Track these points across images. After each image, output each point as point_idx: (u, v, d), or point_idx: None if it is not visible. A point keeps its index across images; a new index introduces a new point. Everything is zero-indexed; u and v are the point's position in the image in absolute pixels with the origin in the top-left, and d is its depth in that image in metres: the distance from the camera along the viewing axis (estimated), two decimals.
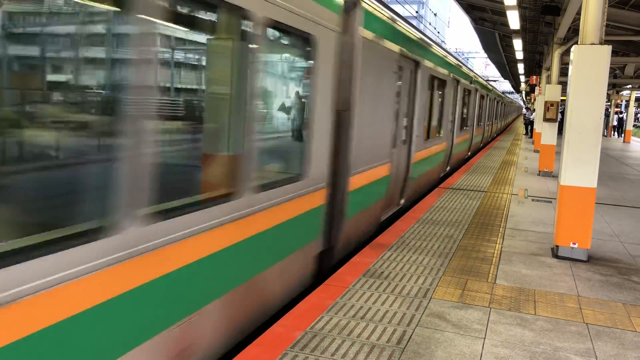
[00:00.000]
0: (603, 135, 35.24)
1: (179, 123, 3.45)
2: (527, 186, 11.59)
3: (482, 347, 3.80)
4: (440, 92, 11.18)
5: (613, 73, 27.49)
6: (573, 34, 14.69)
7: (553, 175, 13.41)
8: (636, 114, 59.94)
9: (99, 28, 2.79)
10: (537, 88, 22.82)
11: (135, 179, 2.66)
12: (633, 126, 37.16)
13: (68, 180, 2.66)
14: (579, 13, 8.57)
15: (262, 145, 3.88)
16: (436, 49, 10.26)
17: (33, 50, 2.53)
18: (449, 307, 4.51)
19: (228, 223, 3.47)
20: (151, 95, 2.75)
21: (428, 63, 9.12)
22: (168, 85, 3.33)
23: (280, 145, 4.72)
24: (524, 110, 68.53)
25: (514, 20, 14.12)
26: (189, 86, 3.75)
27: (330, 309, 4.29)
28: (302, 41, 4.47)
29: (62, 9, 2.57)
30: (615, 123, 39.07)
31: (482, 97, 20.54)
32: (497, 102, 30.27)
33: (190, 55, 3.76)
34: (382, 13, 6.39)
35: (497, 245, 6.57)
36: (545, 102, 14.12)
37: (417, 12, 35.78)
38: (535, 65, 24.91)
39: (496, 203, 9.38)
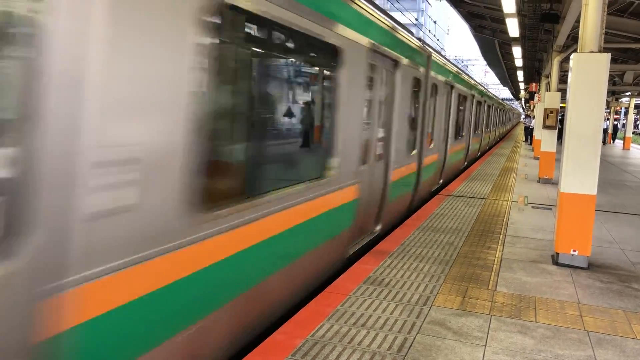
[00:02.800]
0: (603, 142, 35.42)
1: None
2: (527, 193, 11.60)
3: (483, 354, 3.80)
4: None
5: (612, 80, 27.58)
6: (572, 41, 14.75)
7: (553, 183, 13.42)
8: (635, 120, 60.10)
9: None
10: (536, 95, 22.89)
11: None
12: (633, 133, 37.29)
13: None
14: (578, 21, 8.62)
15: None
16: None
17: None
18: (449, 314, 4.50)
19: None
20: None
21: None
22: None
23: None
24: (523, 117, 68.35)
25: (513, 27, 14.19)
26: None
27: (331, 317, 4.29)
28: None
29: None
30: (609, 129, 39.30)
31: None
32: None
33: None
34: None
35: (498, 252, 6.57)
36: (545, 110, 14.16)
37: (416, 19, 35.93)
38: (534, 72, 24.99)
39: (496, 210, 9.39)
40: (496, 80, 64.33)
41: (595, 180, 6.02)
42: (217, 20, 3.25)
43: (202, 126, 3.13)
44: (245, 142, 3.84)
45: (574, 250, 6.09)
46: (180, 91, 2.93)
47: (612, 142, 38.90)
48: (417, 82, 8.72)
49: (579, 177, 6.04)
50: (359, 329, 4.09)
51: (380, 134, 7.04)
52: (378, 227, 7.31)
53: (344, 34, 5.19)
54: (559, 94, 14.36)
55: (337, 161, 5.33)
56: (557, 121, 14.12)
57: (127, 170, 2.60)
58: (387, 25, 6.75)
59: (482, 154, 22.28)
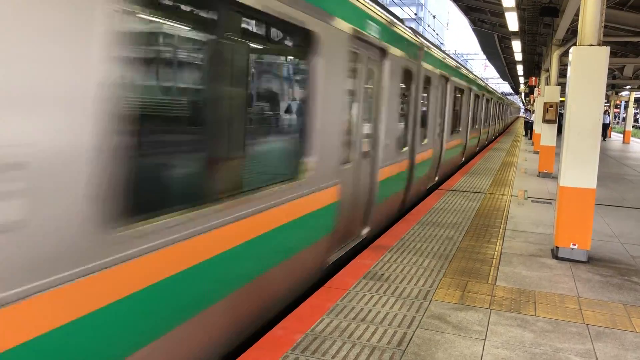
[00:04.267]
0: (604, 137, 35.37)
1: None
2: (527, 187, 11.60)
3: (483, 348, 3.80)
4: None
5: (612, 74, 27.53)
6: (572, 35, 14.73)
7: (553, 177, 13.42)
8: (635, 114, 60.02)
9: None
10: (536, 89, 22.86)
11: None
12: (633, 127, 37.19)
13: None
14: (577, 14, 8.60)
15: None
16: None
17: None
18: (449, 308, 4.51)
19: None
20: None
21: None
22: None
23: None
24: (522, 112, 68.15)
25: (512, 21, 14.16)
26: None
27: (331, 311, 4.30)
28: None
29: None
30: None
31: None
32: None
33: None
34: None
35: (497, 246, 6.57)
36: (545, 104, 14.14)
37: (415, 14, 35.81)
38: (534, 66, 24.95)
39: (496, 204, 9.39)
40: (496, 74, 64.24)
41: (595, 173, 6.02)
42: None
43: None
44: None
45: (574, 244, 6.10)
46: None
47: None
48: (461, 91, 14.09)
49: (579, 171, 6.04)
50: (359, 324, 4.09)
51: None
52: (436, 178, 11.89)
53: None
54: (559, 87, 14.34)
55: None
56: (556, 115, 14.10)
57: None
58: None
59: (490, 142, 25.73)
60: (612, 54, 19.75)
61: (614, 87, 33.07)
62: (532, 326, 4.23)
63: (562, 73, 15.84)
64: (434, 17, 43.77)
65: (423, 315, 4.33)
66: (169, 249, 2.88)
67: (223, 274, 3.43)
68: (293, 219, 4.36)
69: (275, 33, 4.16)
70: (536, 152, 20.18)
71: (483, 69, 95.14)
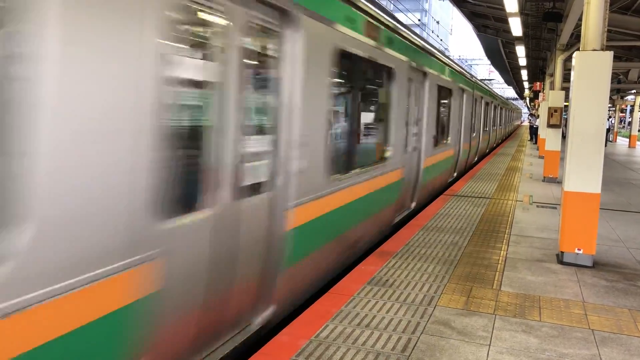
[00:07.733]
0: (609, 140, 35.20)
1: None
2: (532, 192, 11.57)
3: (487, 354, 3.80)
4: None
5: (617, 78, 27.47)
6: (576, 39, 14.71)
7: (558, 181, 13.38)
8: None
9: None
10: (541, 94, 22.83)
11: None
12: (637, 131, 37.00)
13: None
14: (581, 19, 8.60)
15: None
16: None
17: None
18: (453, 314, 4.51)
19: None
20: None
21: None
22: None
23: None
24: (526, 118, 68.12)
25: (516, 27, 14.17)
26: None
27: (335, 317, 4.30)
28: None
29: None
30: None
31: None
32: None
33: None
34: None
35: (502, 251, 6.56)
36: (549, 108, 14.12)
37: (419, 20, 35.92)
38: (538, 71, 24.95)
39: (501, 210, 9.37)
40: (501, 79, 64.20)
41: (599, 178, 6.00)
42: None
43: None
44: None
45: (579, 249, 6.08)
46: None
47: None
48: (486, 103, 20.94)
49: (583, 176, 6.03)
50: (363, 330, 4.10)
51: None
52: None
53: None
54: (563, 92, 14.32)
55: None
56: (561, 120, 14.08)
57: None
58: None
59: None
60: (617, 58, 19.71)
61: (619, 92, 32.97)
62: (537, 331, 4.22)
63: (567, 78, 15.78)
64: (437, 23, 43.85)
65: (427, 320, 4.33)
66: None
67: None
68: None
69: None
70: (541, 157, 20.13)
71: (487, 74, 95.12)
